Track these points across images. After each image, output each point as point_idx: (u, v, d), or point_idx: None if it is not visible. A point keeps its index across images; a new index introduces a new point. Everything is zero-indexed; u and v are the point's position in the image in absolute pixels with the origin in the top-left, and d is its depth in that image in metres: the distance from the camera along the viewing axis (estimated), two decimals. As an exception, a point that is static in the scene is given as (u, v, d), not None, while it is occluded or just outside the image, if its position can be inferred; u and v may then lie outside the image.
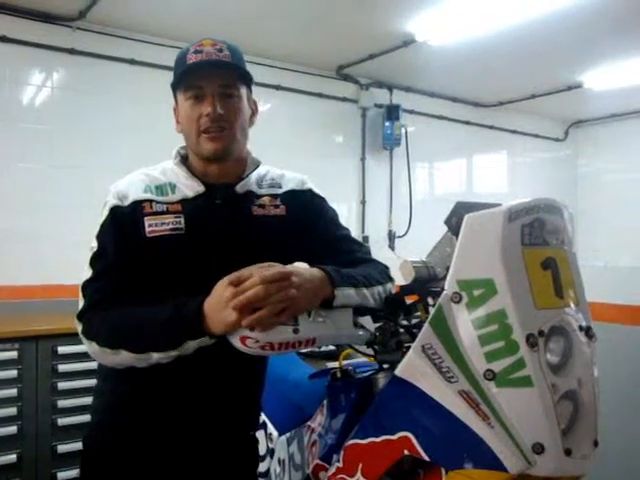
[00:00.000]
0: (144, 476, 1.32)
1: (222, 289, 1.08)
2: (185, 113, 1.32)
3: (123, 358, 1.18)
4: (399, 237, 4.80)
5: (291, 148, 4.11)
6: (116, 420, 1.34)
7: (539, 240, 1.04)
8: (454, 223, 1.09)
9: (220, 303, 1.07)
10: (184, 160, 1.39)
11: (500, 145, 5.74)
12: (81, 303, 1.25)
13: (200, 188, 1.33)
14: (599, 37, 3.81)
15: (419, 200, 4.95)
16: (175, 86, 1.34)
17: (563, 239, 1.08)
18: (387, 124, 4.70)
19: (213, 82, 1.28)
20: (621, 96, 5.11)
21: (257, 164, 1.42)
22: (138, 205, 1.30)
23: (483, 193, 5.49)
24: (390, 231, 4.82)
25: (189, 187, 1.34)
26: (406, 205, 4.83)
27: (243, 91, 1.34)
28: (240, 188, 1.37)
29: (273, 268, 1.08)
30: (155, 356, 1.16)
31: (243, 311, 1.04)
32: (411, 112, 4.92)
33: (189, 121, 1.31)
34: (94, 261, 1.28)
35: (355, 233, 4.42)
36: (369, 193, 4.76)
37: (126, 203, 1.30)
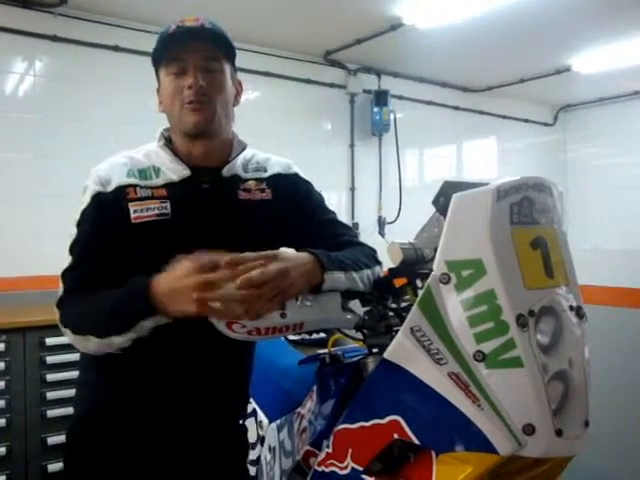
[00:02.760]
0: (130, 469, 1.29)
1: (184, 274, 1.04)
2: (167, 89, 1.29)
3: (92, 344, 1.16)
4: (389, 223, 4.79)
5: (279, 135, 4.07)
6: (99, 411, 1.31)
7: (528, 219, 1.02)
8: (442, 203, 1.07)
9: (181, 290, 1.03)
10: (168, 142, 1.36)
11: (489, 130, 5.73)
12: (60, 291, 1.23)
13: (185, 172, 1.30)
14: (587, 20, 3.79)
15: (409, 186, 4.94)
16: (157, 61, 1.30)
17: (552, 218, 1.07)
18: (376, 110, 4.68)
19: (195, 54, 1.25)
20: (609, 79, 5.11)
21: (243, 147, 1.39)
22: (122, 191, 1.26)
23: (473, 179, 5.48)
24: (380, 217, 4.80)
25: (174, 171, 1.30)
26: (396, 191, 4.82)
27: (226, 67, 1.31)
28: (226, 171, 1.34)
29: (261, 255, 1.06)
30: (116, 340, 1.13)
31: (205, 304, 1.01)
32: (400, 98, 4.90)
33: (171, 96, 1.28)
34: (73, 248, 1.25)
35: (345, 220, 4.36)
36: (358, 180, 4.74)
37: (109, 189, 1.27)
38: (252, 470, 1.63)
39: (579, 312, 1.04)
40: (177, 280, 1.05)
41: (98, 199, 1.26)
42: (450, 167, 5.49)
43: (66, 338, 1.21)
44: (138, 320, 1.10)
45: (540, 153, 6.16)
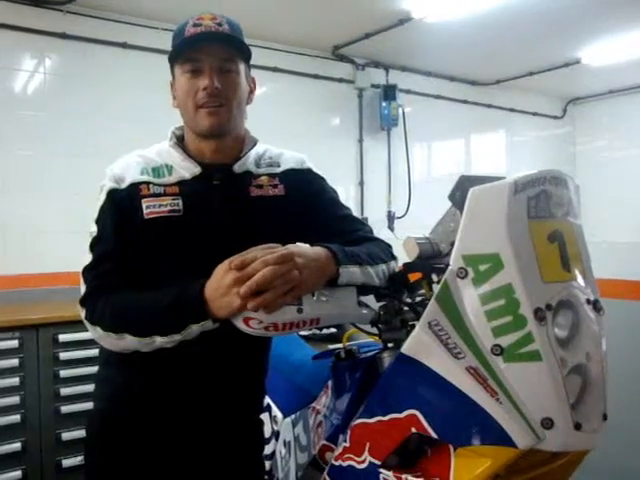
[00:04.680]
0: (148, 462, 1.31)
1: (223, 273, 1.07)
2: (182, 87, 1.29)
3: (127, 342, 1.17)
4: (398, 218, 4.78)
5: (288, 130, 4.07)
6: (118, 407, 1.33)
7: (545, 213, 1.02)
8: (458, 197, 1.07)
9: (221, 288, 1.06)
10: (180, 140, 1.37)
11: (498, 124, 5.71)
12: (83, 288, 1.24)
13: (197, 169, 1.31)
14: (597, 12, 3.76)
15: (418, 180, 4.93)
16: (172, 59, 1.31)
17: (569, 211, 1.07)
18: (384, 104, 4.67)
19: (211, 56, 1.26)
20: (619, 71, 5.07)
21: (255, 142, 1.40)
22: (135, 187, 1.28)
23: (484, 172, 5.44)
24: (389, 212, 4.80)
25: (186, 168, 1.31)
26: (405, 185, 4.81)
27: (241, 67, 1.31)
28: (238, 168, 1.34)
29: (275, 250, 1.06)
30: (159, 340, 1.15)
31: (249, 296, 1.03)
32: (408, 92, 4.89)
33: (186, 95, 1.28)
34: (94, 246, 1.26)
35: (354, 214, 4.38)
36: (367, 174, 4.74)
37: (123, 186, 1.28)
38: (267, 465, 1.64)
39: (596, 306, 1.04)
40: (218, 281, 1.08)
41: (113, 195, 1.28)
42: (459, 161, 5.47)
43: (91, 334, 1.22)
44: (189, 324, 1.11)
45: (549, 146, 6.13)
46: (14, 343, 2.66)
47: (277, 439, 1.64)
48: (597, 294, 1.06)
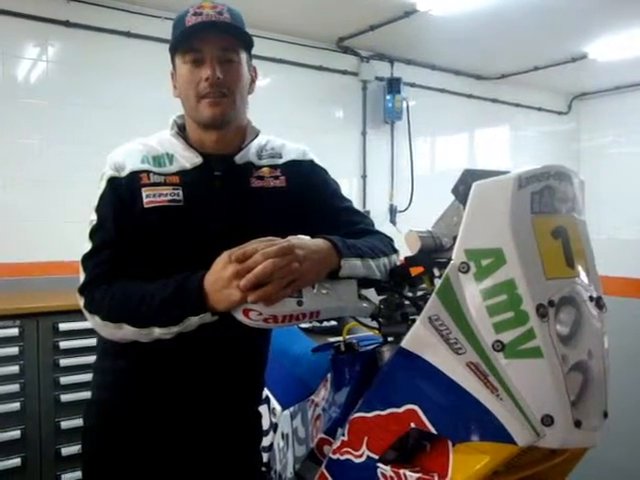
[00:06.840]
0: (145, 453, 1.31)
1: (222, 265, 1.06)
2: (183, 77, 1.28)
3: (125, 332, 1.17)
4: (401, 212, 4.77)
5: (291, 122, 4.05)
6: (115, 397, 1.33)
7: (549, 208, 1.01)
8: (461, 191, 1.06)
9: (221, 280, 1.05)
10: (181, 130, 1.36)
11: (502, 119, 5.67)
12: (82, 277, 1.23)
13: (198, 160, 1.30)
14: (604, 6, 3.73)
15: (421, 174, 4.91)
16: (173, 49, 1.30)
17: (573, 207, 1.06)
18: (388, 97, 4.64)
19: (213, 45, 1.24)
20: (626, 67, 5.03)
21: (256, 133, 1.39)
22: (135, 176, 1.27)
23: (489, 167, 5.43)
24: (391, 206, 4.78)
25: (187, 158, 1.30)
26: (408, 179, 4.79)
27: (243, 56, 1.30)
28: (239, 159, 1.33)
29: (276, 242, 1.06)
30: (157, 331, 1.14)
31: (247, 288, 1.02)
32: (412, 85, 4.86)
33: (187, 86, 1.27)
34: (93, 234, 1.25)
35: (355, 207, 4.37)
36: (370, 167, 4.72)
37: (123, 174, 1.27)
38: (264, 457, 1.64)
39: (599, 303, 1.03)
40: (217, 274, 1.07)
41: (113, 183, 1.27)
42: (463, 156, 5.44)
43: (90, 322, 1.22)
44: (188, 316, 1.11)
45: (553, 142, 6.09)
46: (14, 331, 2.65)
47: (275, 431, 1.64)
48: (600, 291, 1.06)
